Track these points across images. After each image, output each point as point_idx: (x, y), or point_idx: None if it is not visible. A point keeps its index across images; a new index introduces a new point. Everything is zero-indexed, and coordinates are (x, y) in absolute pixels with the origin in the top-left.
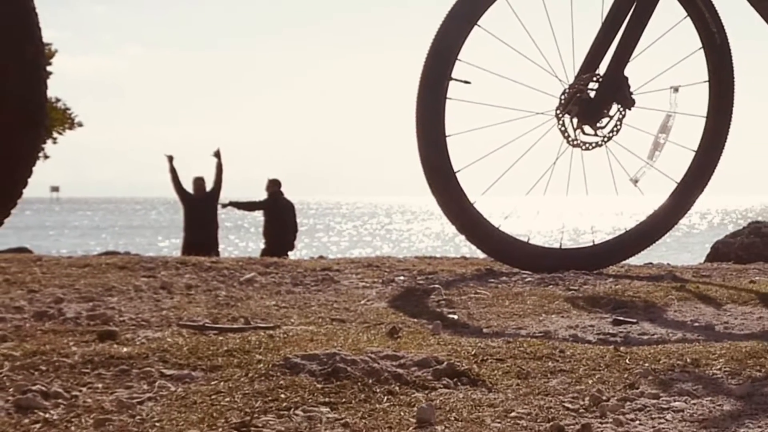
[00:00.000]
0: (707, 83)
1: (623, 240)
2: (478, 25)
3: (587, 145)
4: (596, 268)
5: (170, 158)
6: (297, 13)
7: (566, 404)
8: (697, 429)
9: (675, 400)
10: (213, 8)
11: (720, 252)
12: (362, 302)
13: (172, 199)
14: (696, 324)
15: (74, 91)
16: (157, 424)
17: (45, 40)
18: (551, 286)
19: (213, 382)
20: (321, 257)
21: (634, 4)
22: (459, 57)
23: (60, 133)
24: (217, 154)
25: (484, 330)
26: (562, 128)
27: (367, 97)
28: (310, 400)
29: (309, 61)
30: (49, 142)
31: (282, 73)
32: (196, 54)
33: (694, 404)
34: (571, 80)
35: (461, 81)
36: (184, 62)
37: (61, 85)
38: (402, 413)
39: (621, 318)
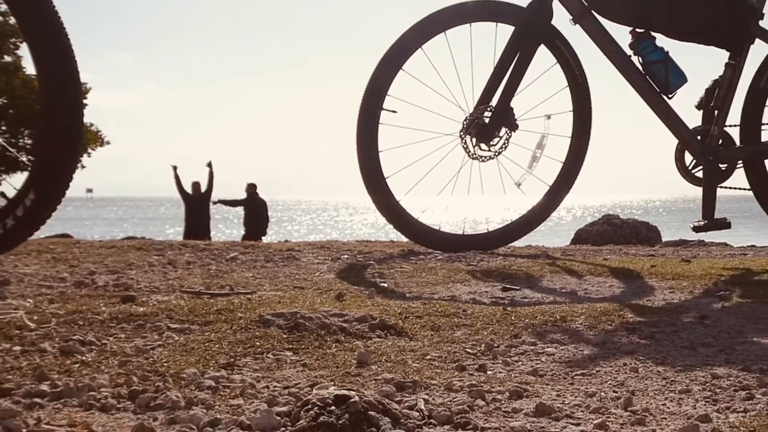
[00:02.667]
0: (572, 112)
1: (510, 228)
2: (403, 69)
3: (483, 158)
4: (490, 249)
5: (174, 168)
6: (271, 60)
7: (467, 350)
8: (565, 368)
9: (548, 347)
10: (210, 59)
11: (581, 237)
12: (317, 274)
13: (176, 198)
14: (563, 290)
15: (104, 118)
16: (165, 364)
17: (82, 80)
18: (456, 263)
19: (206, 333)
20: (286, 241)
21: (518, 54)
22: (389, 93)
23: (93, 149)
24: (209, 165)
25: (407, 295)
26: (465, 146)
27: (320, 122)
28: (278, 347)
29: (278, 96)
30: (85, 156)
31: (257, 104)
32: (194, 91)
33: (562, 349)
34: (471, 110)
35: (390, 111)
36: (186, 97)
37: (94, 113)
38: (346, 356)
39: (508, 286)
